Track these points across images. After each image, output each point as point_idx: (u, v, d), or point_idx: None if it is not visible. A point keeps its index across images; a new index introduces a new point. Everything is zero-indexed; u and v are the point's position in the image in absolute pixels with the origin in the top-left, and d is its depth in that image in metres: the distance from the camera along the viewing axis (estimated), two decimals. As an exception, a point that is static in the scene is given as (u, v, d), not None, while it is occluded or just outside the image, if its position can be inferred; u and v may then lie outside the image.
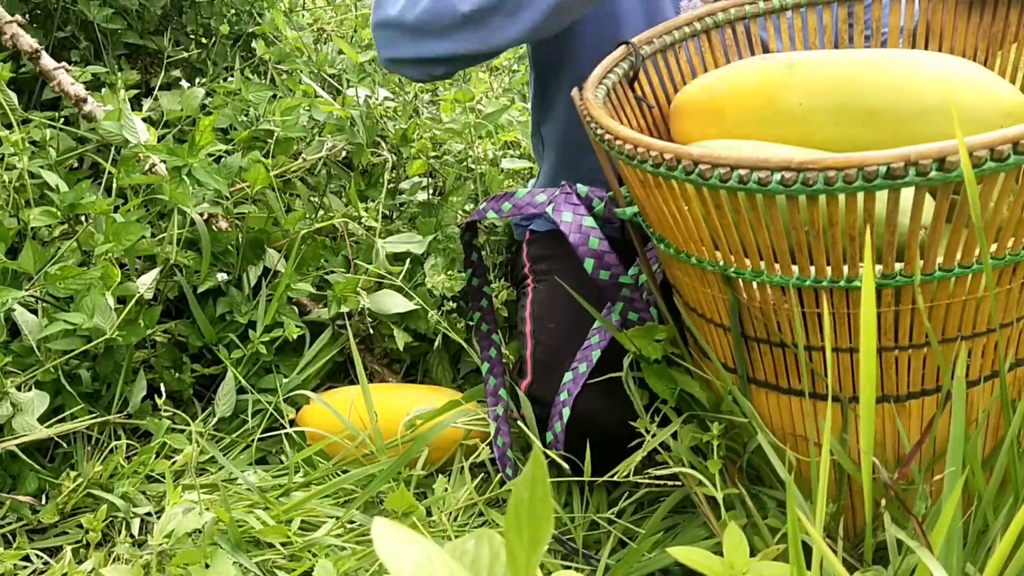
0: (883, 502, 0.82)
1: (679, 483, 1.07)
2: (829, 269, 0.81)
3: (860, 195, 0.75)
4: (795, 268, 0.83)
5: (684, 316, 1.03)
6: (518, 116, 1.93)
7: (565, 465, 1.12)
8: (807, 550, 0.80)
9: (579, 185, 1.09)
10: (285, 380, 1.36)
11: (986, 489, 0.83)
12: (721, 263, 0.87)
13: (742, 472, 1.01)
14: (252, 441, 1.26)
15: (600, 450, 1.10)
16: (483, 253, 1.59)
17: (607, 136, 0.89)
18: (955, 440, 0.79)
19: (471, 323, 1.34)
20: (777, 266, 0.83)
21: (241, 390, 1.33)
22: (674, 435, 1.05)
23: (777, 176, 0.75)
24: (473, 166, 1.72)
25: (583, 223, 1.05)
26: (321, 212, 1.57)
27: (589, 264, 1.05)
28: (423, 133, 1.73)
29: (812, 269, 0.82)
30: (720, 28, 1.14)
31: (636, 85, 1.09)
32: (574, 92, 0.98)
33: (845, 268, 0.81)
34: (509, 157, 1.77)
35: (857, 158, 0.72)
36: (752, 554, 0.91)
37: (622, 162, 0.89)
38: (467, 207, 1.71)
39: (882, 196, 0.75)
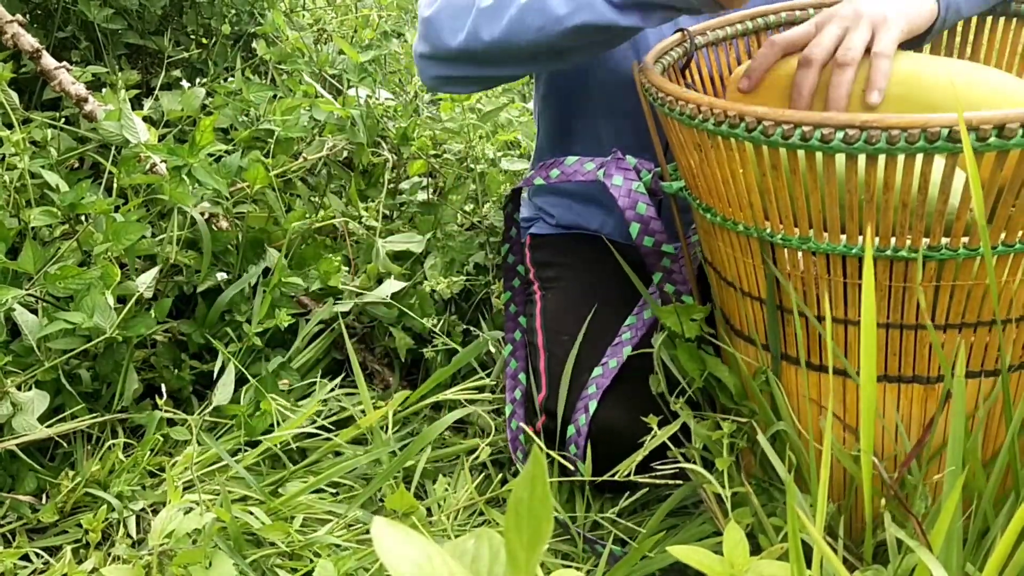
0: (883, 501, 0.82)
1: (681, 482, 1.07)
2: (877, 239, 0.81)
3: (919, 159, 0.76)
4: (843, 237, 0.83)
5: (717, 293, 1.03)
6: (518, 116, 1.93)
7: (570, 466, 1.12)
8: (811, 548, 0.80)
9: (628, 156, 1.10)
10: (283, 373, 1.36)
11: (986, 488, 0.83)
12: (768, 230, 0.87)
13: (758, 461, 1.01)
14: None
15: (617, 461, 1.09)
16: (485, 253, 1.59)
17: (668, 98, 0.89)
18: (955, 439, 0.79)
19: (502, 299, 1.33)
20: (825, 235, 0.84)
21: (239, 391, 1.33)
22: (686, 430, 1.05)
23: (840, 134, 0.76)
24: (473, 166, 1.72)
25: (632, 188, 1.06)
26: (322, 212, 1.57)
27: (635, 229, 1.06)
28: (423, 132, 1.73)
29: (860, 239, 0.82)
30: (770, 30, 1.16)
31: (687, 72, 1.10)
32: (634, 64, 0.99)
33: (893, 239, 0.81)
34: (509, 157, 1.77)
35: (920, 119, 0.73)
36: (758, 552, 0.91)
37: (681, 125, 0.89)
38: (467, 207, 1.71)
39: (940, 162, 0.76)
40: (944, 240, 0.80)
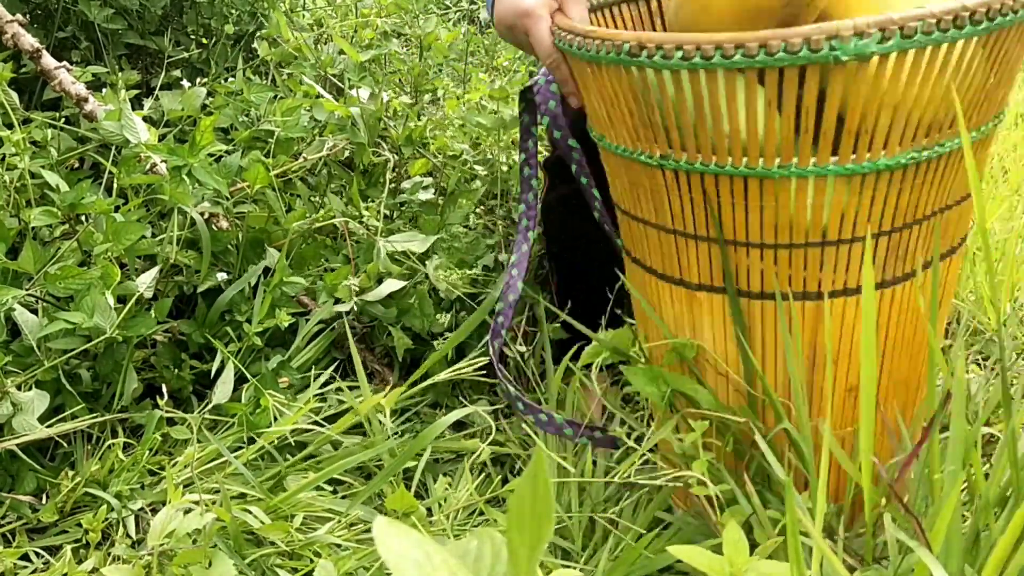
0: (883, 501, 0.82)
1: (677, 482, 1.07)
2: (700, 155, 0.86)
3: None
4: (684, 154, 0.88)
5: (623, 231, 1.06)
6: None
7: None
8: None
9: None
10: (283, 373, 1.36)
11: (986, 489, 0.83)
12: (639, 150, 0.92)
13: (748, 468, 1.01)
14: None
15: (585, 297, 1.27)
16: (495, 255, 1.60)
17: (558, 31, 0.97)
18: (955, 439, 0.79)
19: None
20: (684, 153, 0.88)
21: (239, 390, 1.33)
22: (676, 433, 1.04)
23: (679, 52, 0.80)
24: (477, 166, 1.72)
25: (551, 88, 1.17)
26: (322, 212, 1.57)
27: (546, 121, 1.18)
28: (426, 132, 1.73)
29: (684, 154, 0.88)
30: None
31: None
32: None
33: (729, 159, 0.85)
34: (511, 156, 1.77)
35: (781, 33, 0.77)
36: (754, 547, 0.91)
37: (573, 58, 0.96)
38: (476, 210, 1.71)
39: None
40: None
